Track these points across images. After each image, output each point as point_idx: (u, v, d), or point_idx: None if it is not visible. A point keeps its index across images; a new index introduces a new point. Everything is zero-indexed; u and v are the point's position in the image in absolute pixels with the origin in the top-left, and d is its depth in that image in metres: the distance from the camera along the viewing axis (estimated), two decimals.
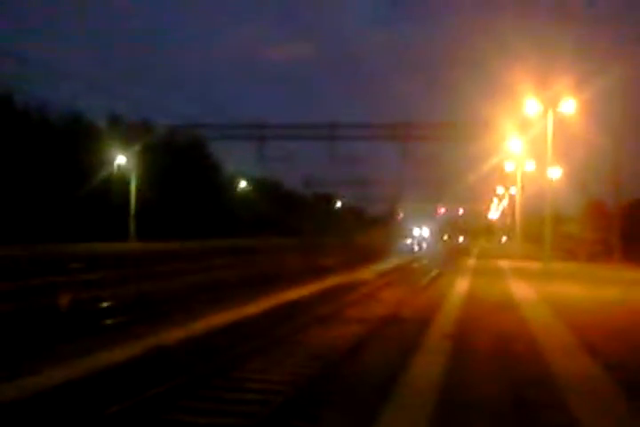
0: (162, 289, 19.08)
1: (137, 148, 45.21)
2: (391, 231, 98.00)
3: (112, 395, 7.33)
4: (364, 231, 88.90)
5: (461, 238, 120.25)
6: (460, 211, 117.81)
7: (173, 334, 10.63)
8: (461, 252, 56.57)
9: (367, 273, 26.18)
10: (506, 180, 57.21)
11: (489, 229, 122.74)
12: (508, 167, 44.95)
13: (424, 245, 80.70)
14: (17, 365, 8.65)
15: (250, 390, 8.31)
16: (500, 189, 70.01)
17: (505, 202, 78.27)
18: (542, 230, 26.51)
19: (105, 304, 15.56)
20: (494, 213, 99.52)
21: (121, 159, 45.39)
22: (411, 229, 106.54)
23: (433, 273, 27.15)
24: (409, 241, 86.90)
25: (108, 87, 56.37)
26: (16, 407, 6.61)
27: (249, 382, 8.68)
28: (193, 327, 11.40)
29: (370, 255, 41.54)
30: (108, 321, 13.29)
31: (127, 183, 45.59)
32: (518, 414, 6.00)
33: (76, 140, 47.41)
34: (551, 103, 22.52)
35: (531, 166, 40.46)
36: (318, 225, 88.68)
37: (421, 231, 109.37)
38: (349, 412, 6.26)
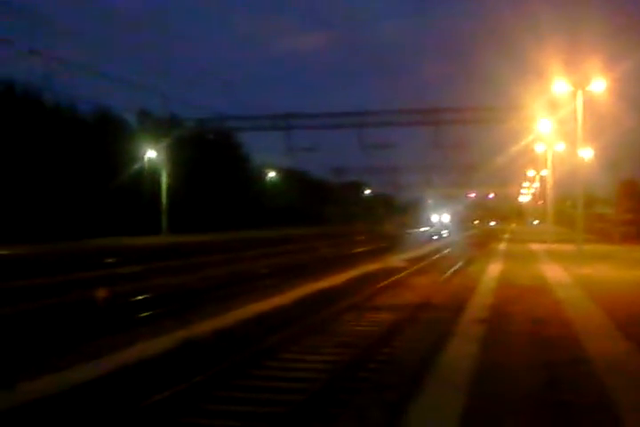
0: (195, 281, 19.29)
1: (166, 142, 45.61)
2: (408, 220, 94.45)
3: (155, 382, 7.47)
4: (385, 219, 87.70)
5: (493, 222, 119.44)
6: (491, 195, 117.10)
7: (208, 325, 10.75)
8: (492, 236, 56.03)
9: (394, 261, 26.11)
10: (536, 162, 56.58)
11: (520, 213, 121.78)
12: (539, 149, 44.39)
13: (445, 232, 71.47)
14: (57, 359, 8.84)
15: (284, 378, 8.40)
16: (530, 172, 69.24)
17: (536, 184, 77.42)
18: (574, 213, 26.24)
19: (141, 297, 15.78)
20: (525, 197, 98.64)
21: (151, 154, 45.80)
22: (429, 217, 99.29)
23: (460, 262, 26.68)
24: (426, 229, 78.82)
25: (136, 83, 56.70)
26: (55, 401, 6.76)
27: (282, 371, 8.77)
28: (226, 318, 11.52)
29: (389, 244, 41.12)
30: (145, 314, 13.49)
31: (158, 177, 46.03)
32: (551, 395, 6.00)
33: (106, 136, 47.96)
34: (580, 83, 22.22)
35: (561, 148, 39.94)
36: (347, 213, 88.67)
37: (441, 218, 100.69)
38: (382, 399, 6.29)
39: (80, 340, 10.41)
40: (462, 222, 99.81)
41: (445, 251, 35.80)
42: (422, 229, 75.71)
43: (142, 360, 8.34)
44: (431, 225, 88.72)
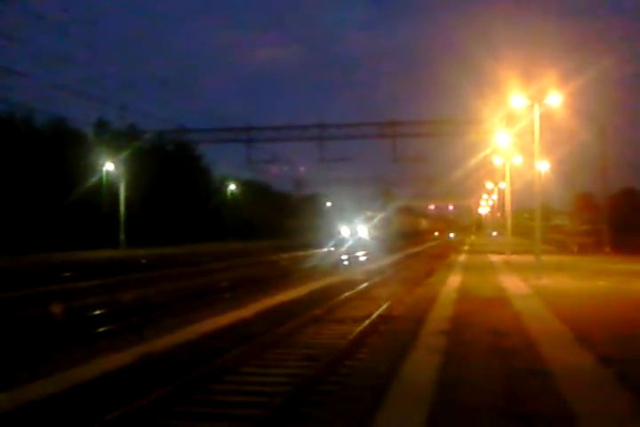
0: (153, 295, 19.01)
1: (125, 154, 45.16)
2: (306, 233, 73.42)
3: (111, 400, 7.31)
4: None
5: (452, 234, 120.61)
6: (450, 207, 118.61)
7: (167, 340, 10.60)
8: (451, 248, 56.29)
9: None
10: (494, 175, 57.52)
11: (479, 224, 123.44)
12: (497, 162, 45.05)
13: (361, 253, 45.17)
14: (12, 374, 8.62)
15: (247, 392, 8.29)
16: (489, 184, 70.31)
17: (494, 197, 78.55)
18: (532, 224, 26.60)
19: (98, 312, 15.50)
20: (484, 209, 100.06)
21: (109, 166, 45.26)
22: (339, 230, 66.75)
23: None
24: (330, 248, 48.32)
25: (93, 94, 56.12)
26: (13, 417, 6.58)
27: (244, 386, 8.66)
28: (186, 333, 11.37)
29: None
30: (102, 329, 13.23)
31: (116, 190, 45.49)
32: (511, 402, 6.04)
33: (62, 148, 47.24)
34: (537, 97, 22.58)
35: (518, 161, 40.56)
36: (306, 226, 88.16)
37: (356, 231, 67.53)
38: (345, 412, 6.25)
39: (37, 356, 10.18)
40: (398, 236, 71.69)
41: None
42: (325, 249, 48.17)
43: (100, 376, 8.17)
44: (340, 242, 54.63)
